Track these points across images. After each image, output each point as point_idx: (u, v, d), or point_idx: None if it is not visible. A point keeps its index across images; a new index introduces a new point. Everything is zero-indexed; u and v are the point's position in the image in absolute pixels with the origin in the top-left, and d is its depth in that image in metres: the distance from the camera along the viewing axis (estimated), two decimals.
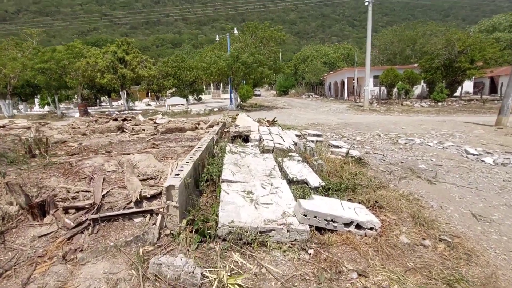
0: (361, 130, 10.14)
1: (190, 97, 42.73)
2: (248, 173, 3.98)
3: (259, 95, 58.04)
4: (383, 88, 24.14)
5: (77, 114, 20.48)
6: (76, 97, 36.82)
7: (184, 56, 37.67)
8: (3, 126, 8.01)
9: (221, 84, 47.48)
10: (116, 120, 7.70)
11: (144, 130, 6.57)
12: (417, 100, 22.24)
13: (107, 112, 20.54)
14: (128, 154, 4.08)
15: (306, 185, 3.95)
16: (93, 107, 42.14)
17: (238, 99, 23.39)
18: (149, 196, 2.83)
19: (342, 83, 31.02)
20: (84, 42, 39.33)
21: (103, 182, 3.03)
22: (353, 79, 27.67)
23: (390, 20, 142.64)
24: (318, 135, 8.08)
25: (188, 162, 3.27)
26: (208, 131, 6.89)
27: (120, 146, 4.95)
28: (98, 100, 46.57)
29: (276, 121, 9.26)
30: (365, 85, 20.04)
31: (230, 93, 22.23)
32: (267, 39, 21.50)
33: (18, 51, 20.43)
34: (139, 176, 3.24)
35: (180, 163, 3.38)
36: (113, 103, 41.74)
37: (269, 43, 22.01)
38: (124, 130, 6.77)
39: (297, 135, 8.04)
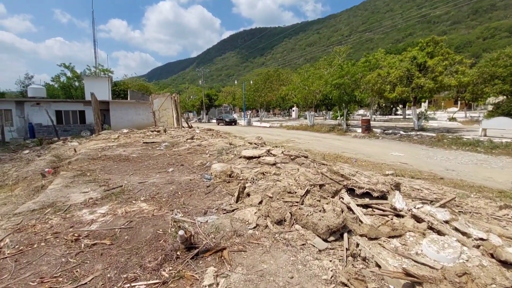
0: None
1: None
2: None
3: None
4: None
5: (359, 130, 19.33)
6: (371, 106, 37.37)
7: None
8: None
9: None
10: None
11: None
12: None
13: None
14: None
15: None
16: (387, 116, 40.95)
17: None
18: None
19: None
20: (394, 50, 38.29)
21: None
22: None
23: None
24: None
25: None
26: None
27: None
28: (394, 109, 44.22)
29: None
30: None
31: None
32: None
33: (327, 69, 23.09)
34: None
35: None
36: (407, 111, 37.43)
37: None
38: None
39: None
